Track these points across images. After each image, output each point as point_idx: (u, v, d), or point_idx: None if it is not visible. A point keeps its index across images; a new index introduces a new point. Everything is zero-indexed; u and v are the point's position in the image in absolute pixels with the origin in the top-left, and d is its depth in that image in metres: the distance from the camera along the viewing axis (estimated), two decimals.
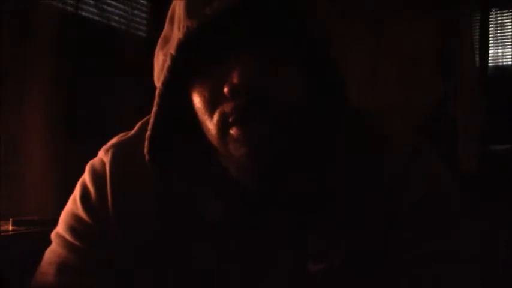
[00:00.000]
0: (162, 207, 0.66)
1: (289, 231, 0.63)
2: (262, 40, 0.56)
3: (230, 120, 0.56)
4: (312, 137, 0.61)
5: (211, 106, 0.58)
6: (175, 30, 0.59)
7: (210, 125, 0.58)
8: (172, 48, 0.58)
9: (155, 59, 0.64)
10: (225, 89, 0.55)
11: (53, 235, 0.72)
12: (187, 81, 0.60)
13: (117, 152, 0.70)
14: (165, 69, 0.58)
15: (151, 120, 0.62)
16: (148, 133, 0.62)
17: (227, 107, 0.56)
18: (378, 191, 0.62)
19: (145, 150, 0.62)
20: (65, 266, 0.68)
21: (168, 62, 0.58)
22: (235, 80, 0.54)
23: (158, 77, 0.61)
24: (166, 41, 0.61)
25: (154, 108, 0.61)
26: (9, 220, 1.15)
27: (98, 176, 0.70)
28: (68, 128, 1.46)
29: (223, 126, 0.57)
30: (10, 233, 1.11)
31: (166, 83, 0.59)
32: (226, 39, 0.57)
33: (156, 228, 0.66)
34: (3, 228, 1.13)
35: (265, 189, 0.63)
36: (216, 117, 0.57)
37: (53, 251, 0.70)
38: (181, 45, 0.57)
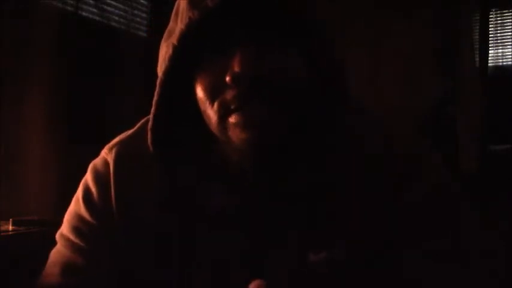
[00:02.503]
0: (166, 202, 0.66)
1: (291, 222, 0.63)
2: (261, 29, 0.57)
3: (232, 107, 0.57)
4: (311, 125, 0.62)
5: (212, 95, 0.59)
6: (178, 23, 0.61)
7: (211, 112, 0.59)
8: (174, 38, 0.59)
9: (160, 51, 0.65)
10: (227, 78, 0.56)
11: (57, 236, 0.72)
12: (190, 72, 0.61)
13: (121, 151, 0.71)
14: (166, 59, 0.60)
15: (152, 109, 0.63)
16: (150, 123, 0.63)
17: (229, 95, 0.57)
18: (378, 190, 0.62)
19: (149, 141, 0.63)
20: (69, 267, 0.68)
21: (170, 51, 0.59)
22: (236, 68, 0.56)
23: (160, 67, 0.62)
24: (170, 34, 0.63)
25: (155, 98, 0.62)
26: (9, 220, 1.15)
27: (100, 176, 0.70)
28: (68, 128, 1.45)
29: (223, 113, 0.58)
30: (10, 233, 1.11)
31: (166, 72, 0.60)
32: (227, 30, 0.58)
33: (162, 223, 0.66)
34: (3, 228, 1.13)
35: (265, 178, 0.63)
36: (216, 104, 0.58)
37: (58, 252, 0.71)
38: (183, 35, 0.58)
